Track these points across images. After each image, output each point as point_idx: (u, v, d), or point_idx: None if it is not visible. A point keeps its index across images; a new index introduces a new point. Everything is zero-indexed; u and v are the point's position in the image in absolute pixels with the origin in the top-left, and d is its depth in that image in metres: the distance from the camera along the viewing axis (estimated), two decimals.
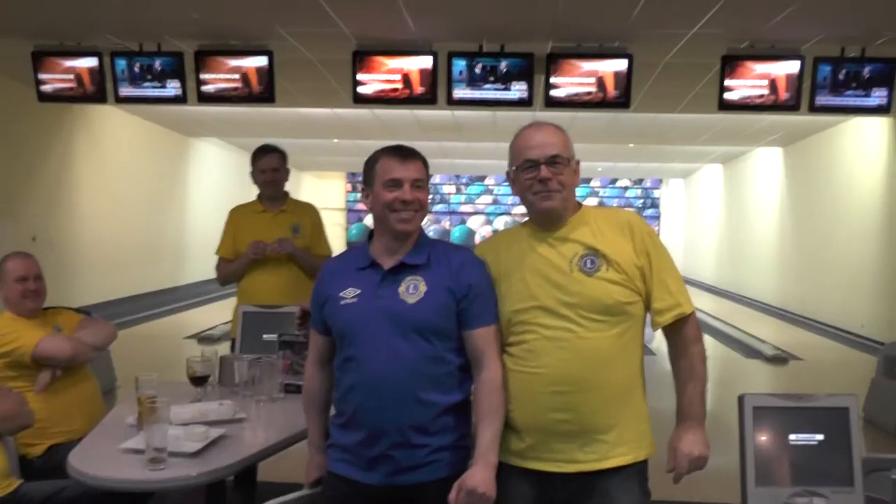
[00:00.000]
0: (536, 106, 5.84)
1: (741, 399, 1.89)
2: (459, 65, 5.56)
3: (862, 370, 7.18)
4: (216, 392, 2.93)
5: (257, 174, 3.78)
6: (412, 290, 1.92)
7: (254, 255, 3.66)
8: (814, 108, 5.62)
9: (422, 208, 1.97)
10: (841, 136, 10.18)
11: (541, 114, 8.73)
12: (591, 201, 21.60)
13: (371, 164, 2.00)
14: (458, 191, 22.47)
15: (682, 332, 1.93)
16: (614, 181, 21.95)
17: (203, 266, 9.23)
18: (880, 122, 8.95)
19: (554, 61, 5.51)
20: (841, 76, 5.52)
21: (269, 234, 3.71)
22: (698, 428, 1.89)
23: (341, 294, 1.97)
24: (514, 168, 1.99)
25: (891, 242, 8.73)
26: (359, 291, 1.95)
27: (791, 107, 5.64)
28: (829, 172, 10.60)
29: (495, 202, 22.59)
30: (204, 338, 8.36)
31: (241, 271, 3.73)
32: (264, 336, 3.32)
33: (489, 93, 5.69)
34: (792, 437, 1.86)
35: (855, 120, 9.51)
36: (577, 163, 1.99)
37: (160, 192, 11.75)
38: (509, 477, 1.91)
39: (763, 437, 1.85)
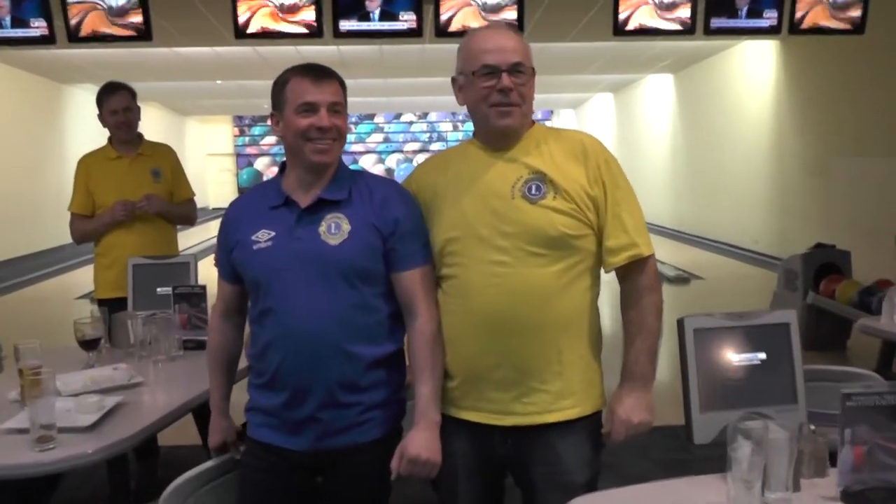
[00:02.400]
0: (426, 37, 5.63)
1: (680, 322, 1.77)
2: None
3: (760, 284, 7.51)
4: (110, 355, 2.66)
5: (107, 116, 3.36)
6: (334, 229, 1.69)
7: (123, 215, 3.29)
8: (709, 31, 5.64)
9: (340, 136, 1.72)
10: (730, 61, 10.42)
11: (430, 46, 8.58)
12: None
13: (280, 85, 1.73)
14: (348, 130, 21.90)
15: (636, 278, 1.73)
16: None
17: None
18: (768, 46, 9.19)
19: None
20: None
21: (128, 182, 3.35)
22: (641, 391, 1.72)
23: (253, 237, 1.72)
24: (464, 74, 1.71)
25: (780, 162, 9.08)
26: (273, 234, 1.71)
27: (687, 31, 5.67)
28: (719, 97, 10.87)
29: (386, 140, 22.23)
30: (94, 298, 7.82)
31: (102, 230, 3.37)
32: (158, 290, 3.07)
33: (377, 24, 5.47)
34: (734, 357, 1.78)
35: (743, 44, 9.73)
36: (534, 71, 1.73)
37: (35, 145, 10.92)
38: (444, 428, 1.73)
39: (706, 361, 1.77)
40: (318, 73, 1.71)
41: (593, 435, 1.75)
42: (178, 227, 3.62)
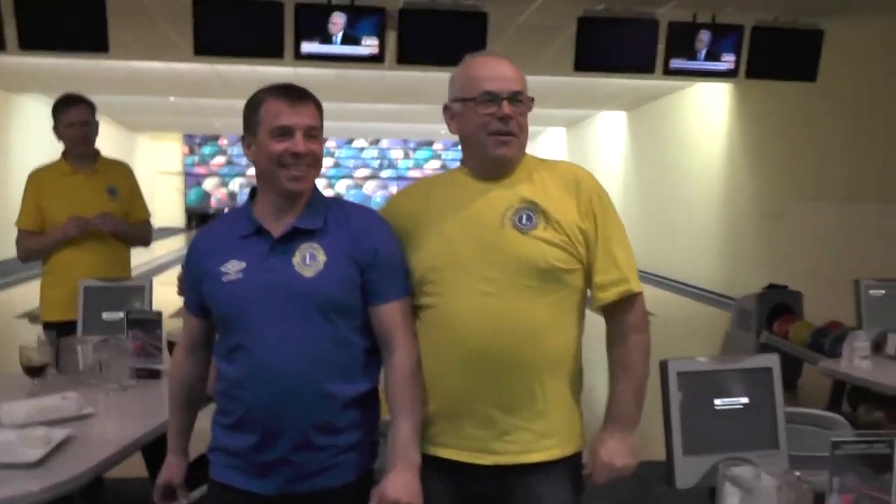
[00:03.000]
0: (388, 63, 5.62)
1: (664, 365, 1.74)
2: (309, 18, 5.25)
3: (710, 322, 7.61)
4: (55, 382, 2.50)
5: (63, 129, 3.20)
6: (309, 260, 1.59)
7: (75, 232, 3.12)
8: (668, 72, 5.78)
9: (316, 162, 1.62)
10: (684, 101, 10.66)
11: (390, 73, 8.57)
12: (435, 164, 21.69)
13: (253, 106, 1.63)
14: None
15: (625, 316, 1.66)
16: (456, 144, 21.94)
17: None
18: (721, 88, 9.43)
19: (408, 16, 5.31)
20: (694, 41, 5.69)
21: (82, 198, 3.19)
22: (625, 433, 1.65)
23: (222, 269, 1.62)
24: (460, 100, 1.66)
25: (732, 202, 9.29)
26: (243, 265, 1.61)
27: (645, 69, 5.78)
28: (672, 136, 11.11)
29: (336, 165, 22.09)
30: (35, 316, 7.45)
31: (52, 248, 3.20)
32: (104, 315, 2.91)
33: (339, 48, 5.45)
34: (717, 401, 1.75)
35: (697, 85, 9.97)
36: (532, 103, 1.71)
37: None
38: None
39: (689, 404, 1.73)
40: (294, 94, 1.63)
41: (574, 477, 1.69)
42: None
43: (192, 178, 21.34)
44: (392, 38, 5.48)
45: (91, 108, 3.25)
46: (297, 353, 1.57)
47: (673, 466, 1.71)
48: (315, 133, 1.63)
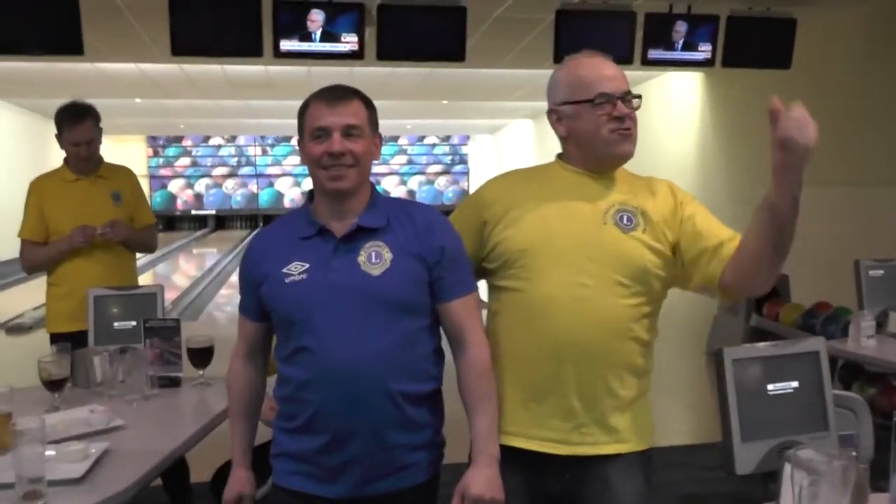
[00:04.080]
0: (368, 59, 5.60)
1: (719, 353, 1.77)
2: (287, 16, 5.22)
3: (697, 309, 7.70)
4: (72, 395, 2.44)
5: (67, 146, 3.11)
6: (375, 258, 1.58)
7: (82, 242, 3.04)
8: (647, 62, 5.84)
9: (357, 162, 1.59)
10: (655, 90, 10.74)
11: (360, 69, 8.49)
12: (400, 159, 21.66)
13: (301, 112, 1.64)
14: (265, 152, 21.53)
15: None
16: (422, 138, 21.96)
17: None
18: (692, 77, 9.54)
19: (386, 12, 5.29)
20: (671, 32, 5.77)
21: (87, 206, 3.11)
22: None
23: (284, 270, 1.59)
24: (572, 102, 1.67)
25: (706, 188, 9.39)
26: (307, 265, 1.58)
27: (624, 60, 5.83)
28: (643, 124, 11.09)
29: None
30: (13, 328, 7.29)
31: (57, 258, 3.11)
32: (115, 324, 2.85)
33: (318, 45, 5.43)
34: (770, 386, 1.78)
35: (668, 74, 10.06)
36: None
37: None
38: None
39: (744, 391, 1.76)
40: (335, 94, 1.61)
41: (647, 469, 1.71)
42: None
43: (156, 181, 20.91)
44: (371, 34, 5.46)
45: (96, 120, 3.14)
46: (367, 352, 1.55)
47: (732, 453, 1.74)
48: (355, 132, 1.60)
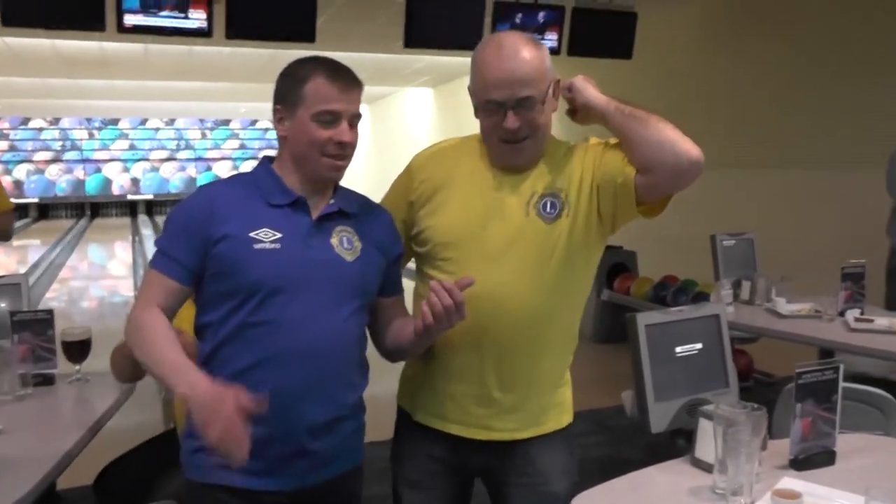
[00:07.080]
0: (217, 37, 5.38)
1: (632, 319, 1.88)
2: None
3: None
4: None
5: None
6: (346, 244, 1.53)
7: None
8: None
9: (353, 151, 1.55)
10: (391, 106, 10.95)
11: (200, 48, 8.07)
12: (233, 143, 20.95)
13: (297, 80, 1.51)
14: (91, 136, 20.06)
15: None
16: (254, 122, 21.32)
17: None
18: (426, 93, 9.77)
19: None
20: (517, 20, 5.96)
21: None
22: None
23: (252, 235, 1.47)
24: (473, 95, 1.61)
25: None
26: (279, 235, 1.48)
27: (473, 47, 5.95)
28: (383, 138, 11.28)
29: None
30: None
31: None
32: None
33: (165, 20, 5.15)
34: (678, 349, 1.91)
35: (403, 90, 10.27)
36: (557, 83, 1.62)
37: None
38: (427, 435, 1.68)
39: (655, 354, 1.88)
40: (346, 78, 1.52)
41: (569, 442, 1.76)
42: None
43: None
44: (221, 12, 5.24)
45: None
46: (337, 337, 1.51)
47: (647, 412, 1.86)
48: (356, 122, 1.55)
